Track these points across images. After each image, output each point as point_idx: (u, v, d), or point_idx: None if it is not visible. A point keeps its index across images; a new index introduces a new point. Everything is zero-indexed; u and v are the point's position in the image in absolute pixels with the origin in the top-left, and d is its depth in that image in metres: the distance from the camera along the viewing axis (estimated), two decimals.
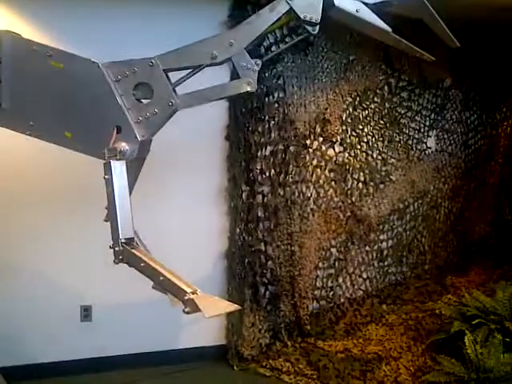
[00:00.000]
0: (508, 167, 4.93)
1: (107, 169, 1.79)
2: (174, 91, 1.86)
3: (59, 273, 2.97)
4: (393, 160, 3.98)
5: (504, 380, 2.71)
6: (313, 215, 3.46)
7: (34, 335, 2.98)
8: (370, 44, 3.50)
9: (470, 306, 3.25)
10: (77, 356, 3.06)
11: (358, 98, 3.64)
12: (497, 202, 5.00)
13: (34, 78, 1.87)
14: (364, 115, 3.71)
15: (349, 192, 3.68)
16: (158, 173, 2.79)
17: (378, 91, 3.78)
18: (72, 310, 3.04)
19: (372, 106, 3.76)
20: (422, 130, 4.20)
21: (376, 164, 3.86)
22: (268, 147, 3.19)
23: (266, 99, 3.13)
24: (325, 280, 3.67)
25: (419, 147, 4.20)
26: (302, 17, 1.83)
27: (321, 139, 3.45)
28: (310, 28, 1.88)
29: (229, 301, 1.81)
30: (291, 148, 3.26)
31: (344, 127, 3.58)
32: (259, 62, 1.85)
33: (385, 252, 4.09)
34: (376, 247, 4.01)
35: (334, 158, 3.57)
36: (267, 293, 3.34)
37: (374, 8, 1.91)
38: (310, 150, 3.40)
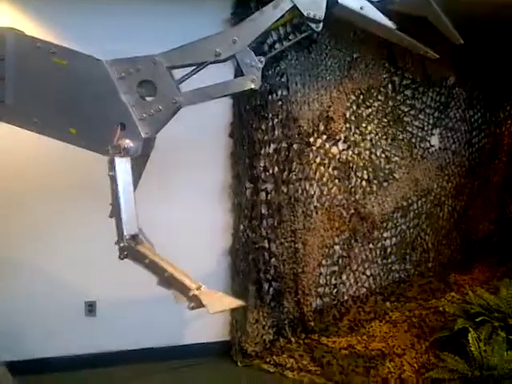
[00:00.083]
0: None
1: (112, 166, 1.81)
2: (178, 88, 1.87)
3: (64, 270, 2.99)
4: (396, 158, 3.98)
5: (508, 377, 2.70)
6: (316, 213, 3.47)
7: (40, 331, 3.01)
8: (374, 42, 3.50)
9: (474, 304, 3.24)
10: (82, 351, 3.09)
11: (361, 96, 3.63)
12: (500, 200, 4.98)
13: (38, 75, 1.88)
14: (367, 113, 3.71)
15: (352, 190, 3.68)
16: (162, 170, 2.80)
17: (381, 89, 3.77)
18: (77, 305, 3.06)
19: (375, 104, 3.75)
20: (426, 128, 4.19)
21: (379, 162, 3.85)
22: (272, 145, 3.19)
23: (270, 97, 3.12)
24: (328, 277, 3.67)
25: (423, 145, 4.19)
26: (305, 14, 1.83)
27: (324, 137, 3.45)
28: (313, 25, 1.88)
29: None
30: (295, 146, 3.26)
31: (347, 125, 3.58)
32: (263, 59, 1.86)
33: (388, 249, 4.09)
34: (379, 245, 4.01)
35: (338, 156, 3.57)
36: (271, 289, 3.35)
37: (378, 5, 1.92)
38: (314, 148, 3.40)
